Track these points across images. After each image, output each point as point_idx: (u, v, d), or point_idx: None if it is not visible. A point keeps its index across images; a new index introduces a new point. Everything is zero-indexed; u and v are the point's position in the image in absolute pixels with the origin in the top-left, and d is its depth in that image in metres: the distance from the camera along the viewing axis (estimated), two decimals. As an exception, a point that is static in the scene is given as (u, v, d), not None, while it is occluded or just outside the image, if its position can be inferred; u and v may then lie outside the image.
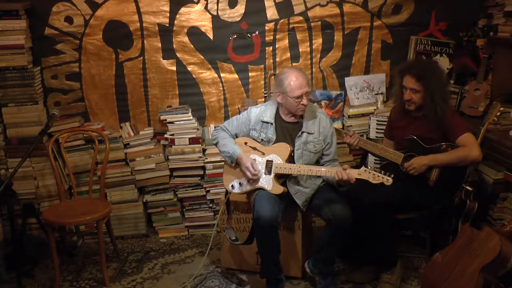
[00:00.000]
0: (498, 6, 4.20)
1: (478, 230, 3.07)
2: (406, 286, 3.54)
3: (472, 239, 3.05)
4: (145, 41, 4.34)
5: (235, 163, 3.44)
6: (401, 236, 4.04)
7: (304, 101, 3.32)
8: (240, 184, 3.47)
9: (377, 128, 4.22)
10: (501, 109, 3.53)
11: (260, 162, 3.40)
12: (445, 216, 3.64)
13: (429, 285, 3.20)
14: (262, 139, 3.46)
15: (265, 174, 3.38)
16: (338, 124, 4.39)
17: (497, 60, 4.11)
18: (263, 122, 3.47)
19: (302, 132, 3.42)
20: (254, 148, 3.44)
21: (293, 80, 3.30)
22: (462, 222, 3.54)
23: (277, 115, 3.49)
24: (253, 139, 3.49)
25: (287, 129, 3.46)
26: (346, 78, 4.48)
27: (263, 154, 3.40)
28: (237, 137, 3.54)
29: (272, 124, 3.44)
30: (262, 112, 3.50)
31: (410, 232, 4.12)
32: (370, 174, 3.11)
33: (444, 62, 4.37)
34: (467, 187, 3.48)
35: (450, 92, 3.53)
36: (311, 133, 3.43)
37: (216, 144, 3.57)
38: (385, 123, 3.96)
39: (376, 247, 3.52)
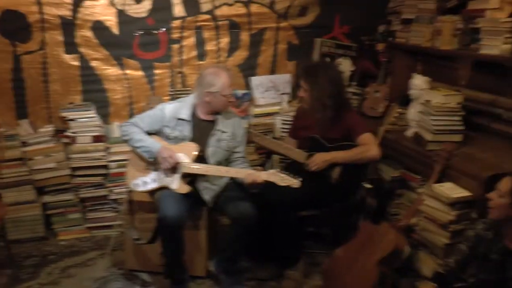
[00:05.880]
0: (396, 14, 4.41)
1: (376, 225, 3.20)
2: (309, 281, 3.60)
3: (371, 234, 3.18)
4: (45, 34, 4.14)
5: (154, 158, 3.35)
6: (304, 233, 4.12)
7: (232, 98, 3.42)
8: (144, 182, 3.40)
9: (282, 127, 4.28)
10: (399, 110, 3.70)
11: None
12: (347, 213, 3.74)
13: (331, 280, 3.29)
14: (175, 137, 3.41)
15: (171, 173, 3.34)
16: (244, 123, 4.41)
17: (395, 64, 4.32)
18: (179, 119, 3.43)
19: (217, 130, 3.43)
20: (160, 145, 3.38)
21: (225, 79, 3.34)
22: (362, 218, 3.65)
23: (194, 113, 3.46)
24: (166, 136, 3.44)
25: (203, 127, 3.45)
26: (252, 78, 4.53)
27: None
28: (148, 134, 3.45)
29: (189, 122, 3.41)
30: (178, 109, 3.45)
31: (313, 229, 4.21)
32: (278, 176, 3.15)
33: (346, 64, 4.52)
34: (367, 185, 3.61)
35: (335, 98, 3.49)
36: (224, 132, 3.45)
37: (128, 140, 3.42)
38: (290, 122, 4.03)
39: (280, 244, 3.57)
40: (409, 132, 3.78)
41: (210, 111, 3.44)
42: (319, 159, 3.48)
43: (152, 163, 3.40)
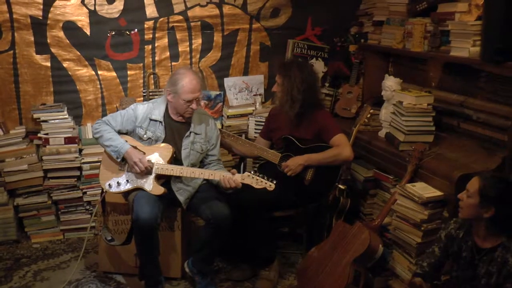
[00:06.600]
0: (367, 16, 4.47)
1: (350, 225, 3.23)
2: (283, 281, 3.63)
3: (345, 234, 3.21)
4: (15, 34, 4.08)
5: (122, 159, 3.32)
6: (278, 233, 4.15)
7: (194, 105, 3.32)
8: (118, 183, 3.36)
9: (255, 129, 4.29)
10: (371, 111, 3.75)
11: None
12: (321, 213, 3.78)
13: (305, 279, 3.31)
14: (149, 138, 3.39)
15: (145, 174, 3.31)
16: (217, 124, 4.42)
17: (367, 65, 4.37)
18: (152, 120, 3.40)
19: (190, 132, 3.41)
20: (135, 147, 3.36)
21: (187, 83, 3.27)
22: (336, 218, 3.67)
23: (166, 114, 3.44)
24: (139, 137, 3.41)
25: (176, 129, 3.43)
26: (225, 79, 4.54)
27: (144, 154, 3.33)
28: (120, 133, 3.41)
29: (161, 122, 3.39)
30: (150, 109, 3.43)
31: (287, 229, 4.24)
32: (253, 179, 3.16)
33: (319, 66, 4.56)
34: (340, 186, 3.63)
35: (305, 93, 3.51)
36: (198, 134, 3.44)
37: (98, 138, 3.38)
38: (263, 123, 4.03)
39: (254, 245, 3.59)
40: (382, 133, 3.84)
41: (176, 112, 3.42)
42: (293, 164, 3.50)
43: (125, 163, 3.37)
